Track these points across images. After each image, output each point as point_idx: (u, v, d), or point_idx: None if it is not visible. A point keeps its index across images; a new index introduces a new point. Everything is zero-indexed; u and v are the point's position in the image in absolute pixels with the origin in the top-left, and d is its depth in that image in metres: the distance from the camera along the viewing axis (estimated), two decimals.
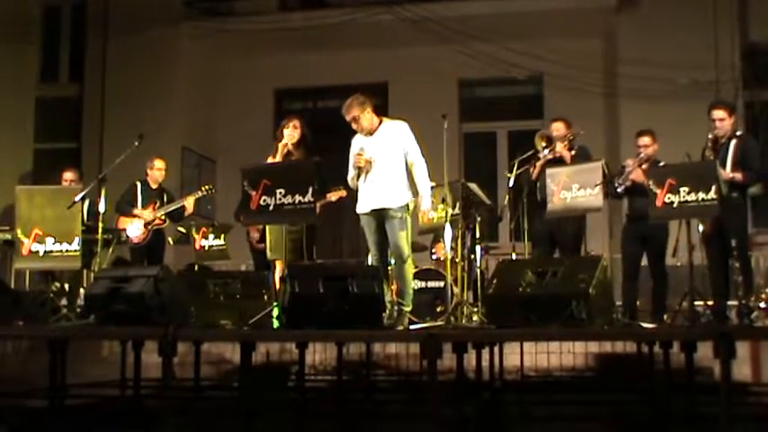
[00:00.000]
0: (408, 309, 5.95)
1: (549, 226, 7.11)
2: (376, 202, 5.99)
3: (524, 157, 7.50)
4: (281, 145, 6.49)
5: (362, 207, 6.08)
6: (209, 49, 12.25)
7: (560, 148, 7.26)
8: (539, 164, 7.33)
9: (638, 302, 7.03)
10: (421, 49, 11.60)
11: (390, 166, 6.00)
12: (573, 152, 7.27)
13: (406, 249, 5.95)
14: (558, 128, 7.44)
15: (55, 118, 12.53)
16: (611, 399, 6.64)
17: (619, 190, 6.93)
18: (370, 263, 6.63)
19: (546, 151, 7.29)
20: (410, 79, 11.70)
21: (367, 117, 6.02)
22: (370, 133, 6.06)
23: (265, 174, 5.76)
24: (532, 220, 7.25)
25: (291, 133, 6.49)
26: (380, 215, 5.99)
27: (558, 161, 7.22)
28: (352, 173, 6.16)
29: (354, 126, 6.07)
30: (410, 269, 6.10)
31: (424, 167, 6.10)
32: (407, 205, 6.01)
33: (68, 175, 8.15)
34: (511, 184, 7.44)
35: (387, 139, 6.05)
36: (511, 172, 7.40)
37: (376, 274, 5.39)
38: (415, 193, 6.08)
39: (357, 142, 6.18)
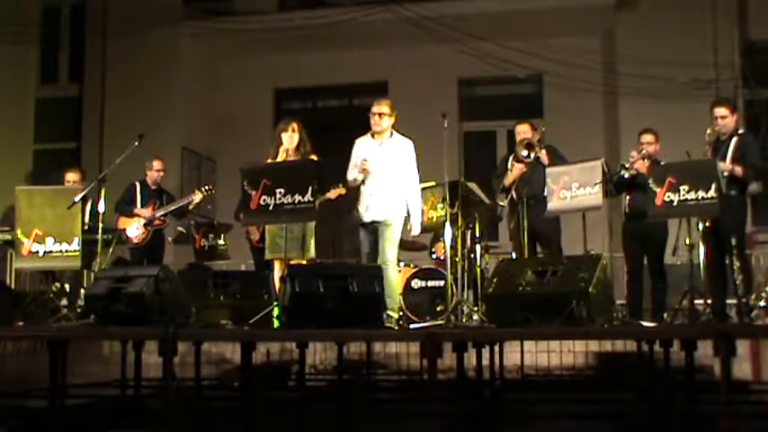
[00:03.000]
0: (394, 314, 6.00)
1: (530, 226, 7.10)
2: (375, 214, 6.29)
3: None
4: (281, 150, 6.45)
5: (362, 217, 6.37)
6: (209, 48, 12.24)
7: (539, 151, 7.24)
8: (518, 168, 7.29)
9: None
10: (420, 49, 11.60)
11: (392, 181, 6.33)
12: (544, 153, 7.22)
13: (393, 257, 6.33)
14: (524, 130, 7.37)
15: (55, 118, 12.53)
16: (612, 397, 6.63)
17: (625, 176, 6.92)
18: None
19: (532, 155, 7.24)
20: (410, 78, 11.70)
21: (389, 121, 6.37)
22: (380, 136, 6.38)
23: (265, 173, 5.75)
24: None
25: (291, 137, 6.45)
26: (377, 226, 6.31)
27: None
28: (354, 175, 6.42)
29: (373, 121, 6.37)
30: (395, 275, 6.45)
31: (419, 192, 6.50)
32: (402, 219, 6.38)
33: (71, 176, 8.13)
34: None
35: (393, 153, 6.39)
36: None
37: (376, 273, 5.41)
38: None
39: (363, 147, 6.45)
